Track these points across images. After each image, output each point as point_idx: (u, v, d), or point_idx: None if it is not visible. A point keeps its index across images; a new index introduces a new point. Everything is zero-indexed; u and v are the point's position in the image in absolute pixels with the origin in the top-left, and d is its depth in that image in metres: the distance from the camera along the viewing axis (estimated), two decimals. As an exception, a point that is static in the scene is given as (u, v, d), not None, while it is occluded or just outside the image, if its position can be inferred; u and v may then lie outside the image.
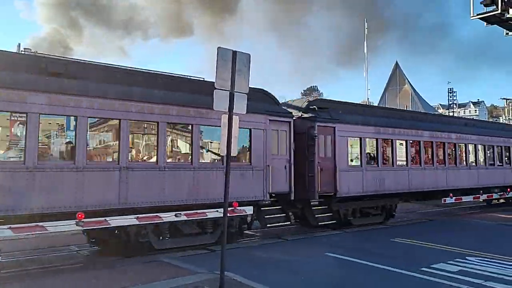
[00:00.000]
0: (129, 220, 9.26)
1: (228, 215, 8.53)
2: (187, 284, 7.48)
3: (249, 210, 11.22)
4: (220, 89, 6.89)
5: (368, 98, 51.31)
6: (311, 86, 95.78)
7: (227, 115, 6.95)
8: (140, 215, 9.42)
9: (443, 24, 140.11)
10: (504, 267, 9.10)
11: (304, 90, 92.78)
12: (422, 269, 8.89)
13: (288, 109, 13.26)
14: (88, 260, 10.01)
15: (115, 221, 9.08)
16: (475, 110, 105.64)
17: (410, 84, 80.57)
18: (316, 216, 13.38)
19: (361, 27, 51.11)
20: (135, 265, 9.08)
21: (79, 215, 8.50)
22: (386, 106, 22.46)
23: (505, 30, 14.43)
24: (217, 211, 10.27)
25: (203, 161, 10.91)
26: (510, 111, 40.29)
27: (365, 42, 45.35)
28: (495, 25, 13.46)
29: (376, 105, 69.62)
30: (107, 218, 8.95)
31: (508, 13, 12.48)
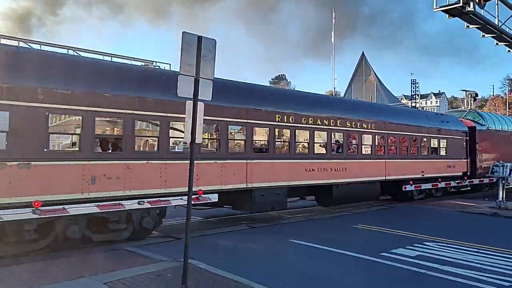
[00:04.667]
0: (89, 208, 9.01)
1: (193, 202, 8.42)
2: (150, 272, 7.37)
3: (213, 198, 11.16)
4: (185, 75, 6.73)
5: (334, 88, 51.96)
6: (279, 75, 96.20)
7: (192, 102, 6.81)
8: (101, 203, 9.18)
9: (408, 19, 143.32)
10: (460, 252, 9.50)
11: (272, 79, 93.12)
12: (382, 254, 9.15)
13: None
14: (46, 249, 9.67)
15: (74, 209, 8.79)
16: (436, 101, 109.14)
17: (376, 75, 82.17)
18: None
19: (329, 18, 51.44)
20: (95, 254, 8.87)
21: (36, 203, 8.19)
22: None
23: (466, 23, 14.89)
24: (182, 198, 10.16)
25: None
26: (469, 102, 41.98)
27: (332, 32, 45.74)
28: (457, 17, 13.85)
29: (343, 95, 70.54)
30: (65, 207, 8.65)
31: (469, 6, 12.86)
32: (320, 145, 14.79)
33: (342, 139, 15.34)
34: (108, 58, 12.62)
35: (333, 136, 14.96)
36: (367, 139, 16.46)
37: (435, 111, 55.04)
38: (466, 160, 21.46)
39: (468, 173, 21.42)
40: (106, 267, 7.73)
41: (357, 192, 15.72)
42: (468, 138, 21.68)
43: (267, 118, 12.80)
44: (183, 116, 6.96)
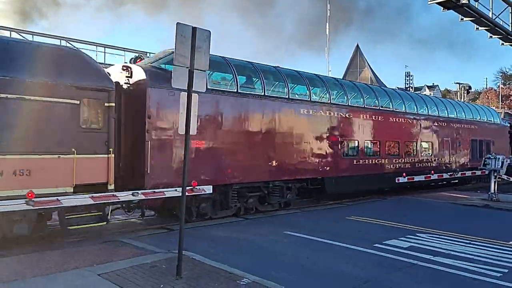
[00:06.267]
0: (83, 199, 8.98)
1: (187, 194, 8.42)
2: (144, 263, 7.39)
3: (208, 189, 11.17)
4: (179, 66, 6.72)
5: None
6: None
7: (186, 93, 6.79)
8: (95, 195, 9.16)
9: (403, 12, 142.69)
10: (452, 243, 9.61)
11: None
12: (375, 245, 9.24)
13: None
14: (40, 240, 9.65)
15: (67, 201, 8.76)
16: (430, 93, 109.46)
17: (370, 67, 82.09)
18: None
19: (324, 11, 51.19)
20: (90, 245, 8.87)
21: (29, 194, 8.15)
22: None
23: (460, 15, 14.94)
24: (176, 190, 10.16)
25: None
26: (462, 94, 42.27)
27: (327, 24, 45.49)
28: (452, 10, 13.88)
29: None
30: (59, 198, 8.61)
31: (464, -1, 12.87)
32: None
33: None
34: (101, 49, 12.55)
35: None
36: None
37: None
38: (104, 156, 9.47)
39: (111, 185, 9.55)
40: (100, 258, 7.72)
41: None
42: (109, 104, 9.64)
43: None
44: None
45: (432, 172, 19.53)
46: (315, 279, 7.14)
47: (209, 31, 6.99)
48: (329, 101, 15.25)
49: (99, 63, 12.00)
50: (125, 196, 9.64)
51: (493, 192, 16.92)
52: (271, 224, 11.85)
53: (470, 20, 15.31)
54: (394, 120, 18.06)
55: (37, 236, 9.07)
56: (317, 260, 8.22)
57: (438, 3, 13.56)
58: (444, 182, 21.61)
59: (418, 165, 19.18)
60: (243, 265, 7.36)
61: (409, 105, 19.17)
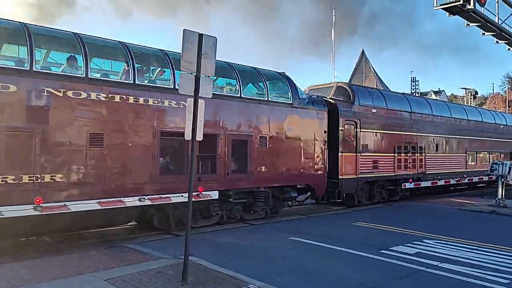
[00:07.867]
0: (89, 205, 9.02)
1: (193, 199, 8.42)
2: (150, 269, 7.40)
3: (214, 195, 11.19)
4: (186, 72, 6.78)
5: (334, 85, 51.71)
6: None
7: (192, 99, 6.84)
8: (102, 200, 9.20)
9: (408, 18, 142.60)
10: (459, 249, 9.54)
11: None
12: (382, 251, 9.20)
13: None
14: (47, 246, 9.70)
15: (75, 206, 8.81)
16: (436, 99, 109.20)
17: (376, 72, 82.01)
18: None
19: (329, 16, 51.21)
20: (95, 251, 8.89)
21: (37, 200, 8.21)
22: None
23: (466, 21, 14.91)
24: (182, 195, 10.18)
25: None
26: (469, 100, 42.17)
27: (332, 30, 45.45)
28: (457, 15, 13.86)
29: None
30: (67, 203, 8.67)
31: (470, 4, 12.85)
32: None
33: None
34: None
35: None
36: None
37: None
38: None
39: None
40: (106, 264, 7.75)
41: None
42: None
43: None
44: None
45: None
46: (320, 285, 7.11)
47: (215, 38, 7.04)
48: None
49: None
50: (132, 201, 9.68)
51: (500, 198, 16.79)
52: (276, 229, 11.83)
53: (476, 26, 15.27)
54: None
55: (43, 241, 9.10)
56: (322, 266, 8.19)
57: (444, 9, 13.54)
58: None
59: None
60: (248, 271, 7.36)
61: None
